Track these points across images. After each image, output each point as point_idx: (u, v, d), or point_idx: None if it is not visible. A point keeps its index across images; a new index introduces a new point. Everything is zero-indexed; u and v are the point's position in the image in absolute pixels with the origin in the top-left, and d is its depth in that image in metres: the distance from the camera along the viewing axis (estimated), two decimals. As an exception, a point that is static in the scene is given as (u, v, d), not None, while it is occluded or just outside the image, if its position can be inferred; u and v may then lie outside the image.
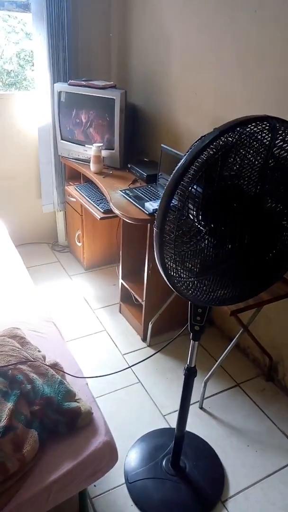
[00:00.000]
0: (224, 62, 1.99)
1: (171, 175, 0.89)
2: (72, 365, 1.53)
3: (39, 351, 1.50)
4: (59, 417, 1.27)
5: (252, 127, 0.87)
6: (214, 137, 0.84)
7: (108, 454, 1.28)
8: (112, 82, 2.59)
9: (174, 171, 0.89)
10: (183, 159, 0.87)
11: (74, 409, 1.29)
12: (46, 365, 1.40)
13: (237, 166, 0.89)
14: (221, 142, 0.86)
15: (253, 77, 1.85)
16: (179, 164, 0.88)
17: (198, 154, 0.85)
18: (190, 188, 0.88)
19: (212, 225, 0.93)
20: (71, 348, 1.68)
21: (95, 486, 1.59)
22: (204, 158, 0.86)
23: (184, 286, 1.03)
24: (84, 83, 2.53)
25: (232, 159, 0.88)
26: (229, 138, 0.86)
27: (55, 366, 1.43)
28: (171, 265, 0.98)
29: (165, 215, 0.91)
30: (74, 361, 1.57)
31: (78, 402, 1.33)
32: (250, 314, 1.89)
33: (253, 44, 1.81)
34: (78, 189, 2.64)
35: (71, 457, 1.22)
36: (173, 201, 0.90)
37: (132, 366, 2.09)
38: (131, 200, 2.15)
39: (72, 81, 2.58)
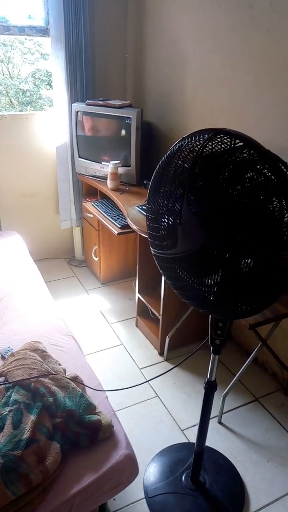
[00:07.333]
0: (239, 79, 2.03)
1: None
2: (92, 379, 1.55)
3: (59, 365, 1.53)
4: (80, 430, 1.28)
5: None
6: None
7: (129, 467, 1.28)
8: (128, 101, 2.66)
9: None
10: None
11: (95, 422, 1.30)
12: (67, 378, 1.42)
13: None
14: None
15: (267, 94, 1.89)
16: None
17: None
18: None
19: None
20: (89, 361, 1.71)
21: (114, 500, 1.59)
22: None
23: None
24: (101, 102, 2.61)
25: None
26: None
27: (75, 379, 1.45)
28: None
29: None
30: (94, 375, 1.59)
31: (98, 415, 1.35)
32: (268, 328, 1.89)
33: (267, 62, 1.85)
34: (95, 205, 2.69)
35: (92, 470, 1.24)
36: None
37: (150, 380, 2.09)
38: (148, 216, 2.18)
39: (89, 101, 2.65)
